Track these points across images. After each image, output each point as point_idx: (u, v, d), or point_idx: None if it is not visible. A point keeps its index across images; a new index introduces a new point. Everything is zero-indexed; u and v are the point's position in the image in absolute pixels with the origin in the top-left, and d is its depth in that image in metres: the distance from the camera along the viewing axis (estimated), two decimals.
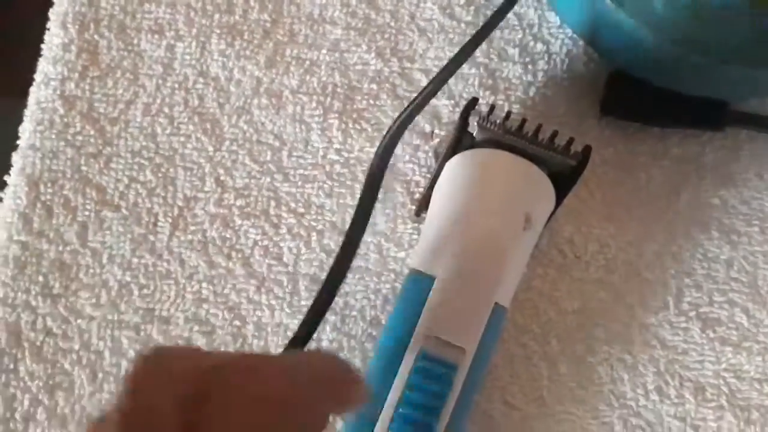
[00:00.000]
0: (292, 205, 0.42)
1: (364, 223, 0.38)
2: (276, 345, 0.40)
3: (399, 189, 0.42)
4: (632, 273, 0.41)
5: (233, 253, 0.41)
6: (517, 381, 0.40)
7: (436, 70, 0.44)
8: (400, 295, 0.35)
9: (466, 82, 0.44)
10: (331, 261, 0.41)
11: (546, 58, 0.44)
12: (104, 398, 0.39)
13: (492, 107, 0.38)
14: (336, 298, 0.36)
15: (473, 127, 0.37)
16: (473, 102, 0.37)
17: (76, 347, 0.40)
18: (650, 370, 0.40)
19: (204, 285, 0.41)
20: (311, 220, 0.42)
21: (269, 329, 0.40)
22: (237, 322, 0.40)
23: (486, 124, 0.37)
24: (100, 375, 0.40)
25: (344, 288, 0.40)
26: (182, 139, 0.43)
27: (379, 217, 0.41)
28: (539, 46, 0.45)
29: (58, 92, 0.44)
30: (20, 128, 0.44)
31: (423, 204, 0.40)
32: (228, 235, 0.42)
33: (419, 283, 0.34)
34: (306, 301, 0.41)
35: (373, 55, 0.44)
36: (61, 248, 0.41)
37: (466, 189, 0.35)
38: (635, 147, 0.43)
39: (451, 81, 0.41)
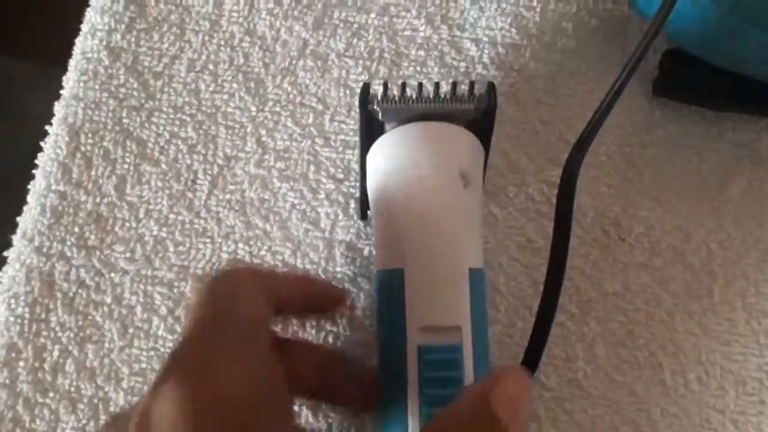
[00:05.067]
0: (332, 170, 0.40)
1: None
2: None
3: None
4: (677, 258, 0.38)
5: (270, 215, 0.39)
6: (552, 361, 0.37)
7: (486, 39, 0.41)
8: (377, 299, 0.33)
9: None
10: (368, 229, 0.39)
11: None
12: (134, 354, 0.37)
13: (386, 84, 0.34)
14: None
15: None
16: (366, 88, 0.34)
17: (108, 300, 0.38)
18: (691, 358, 0.37)
19: (240, 245, 0.39)
20: (350, 187, 0.39)
21: None
22: None
23: (385, 104, 0.33)
24: (131, 330, 0.37)
25: None
26: (225, 97, 0.41)
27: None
28: (593, 22, 0.42)
29: (104, 43, 0.41)
30: (64, 78, 0.41)
31: (363, 205, 0.37)
32: (266, 197, 0.39)
33: (390, 281, 0.31)
34: (341, 268, 0.38)
35: (423, 21, 0.42)
36: (98, 200, 0.39)
37: (394, 174, 0.33)
38: (687, 129, 0.40)
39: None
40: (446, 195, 0.32)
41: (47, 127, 0.41)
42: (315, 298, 0.36)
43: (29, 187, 0.40)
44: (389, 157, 0.33)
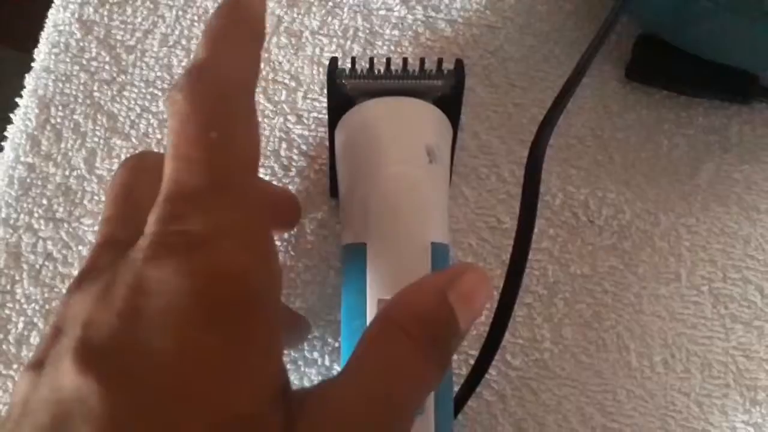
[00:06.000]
0: (304, 147, 0.39)
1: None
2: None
3: None
4: (646, 241, 0.38)
5: None
6: (518, 342, 0.37)
7: (461, 20, 0.41)
8: (343, 274, 0.33)
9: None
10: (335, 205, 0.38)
11: None
12: None
13: (353, 60, 0.34)
14: None
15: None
16: (334, 62, 0.33)
17: (76, 273, 0.37)
18: (657, 341, 0.37)
19: None
20: (322, 164, 0.39)
21: None
22: None
23: (353, 78, 0.33)
24: None
25: None
26: None
27: None
28: (567, 6, 0.41)
29: (76, 16, 0.41)
30: (35, 50, 0.41)
31: (334, 182, 0.37)
32: None
33: (353, 255, 0.31)
34: (311, 245, 0.38)
35: (398, 1, 0.41)
36: (67, 173, 0.39)
37: (360, 148, 0.33)
38: (659, 113, 0.40)
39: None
40: (411, 171, 0.32)
41: (17, 99, 0.40)
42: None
43: None
44: (355, 131, 0.33)
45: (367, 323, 0.30)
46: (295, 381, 0.36)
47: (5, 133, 0.40)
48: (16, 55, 1.21)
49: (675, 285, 0.38)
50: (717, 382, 0.36)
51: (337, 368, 0.36)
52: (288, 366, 0.36)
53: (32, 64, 0.41)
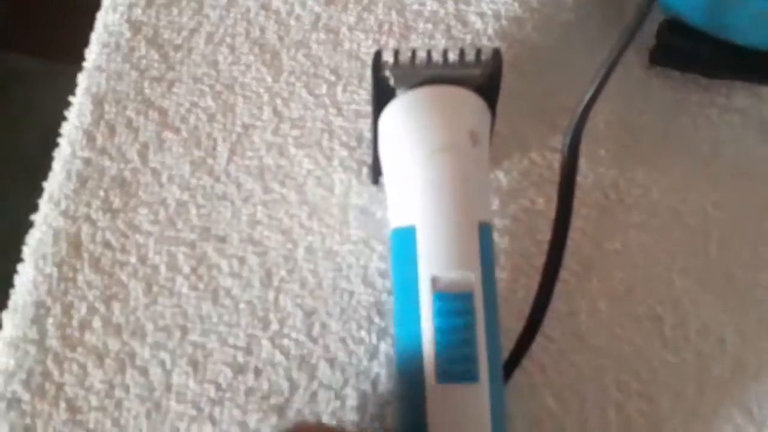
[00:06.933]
0: (345, 138, 0.41)
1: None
2: (325, 269, 0.39)
3: None
4: (675, 219, 0.40)
5: (287, 180, 0.40)
6: (556, 315, 0.38)
7: (490, 13, 0.43)
8: (393, 258, 0.34)
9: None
10: (381, 195, 0.40)
11: None
12: (158, 310, 0.38)
13: (396, 52, 0.35)
14: None
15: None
16: (378, 55, 0.35)
17: (133, 260, 0.39)
18: (691, 312, 0.38)
19: (259, 208, 0.40)
20: (362, 154, 0.41)
21: (320, 254, 0.39)
22: (289, 245, 0.39)
23: (397, 69, 0.35)
24: (155, 288, 0.39)
25: None
26: (242, 68, 0.42)
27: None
28: None
29: (125, 17, 0.43)
30: (86, 50, 0.43)
31: (375, 170, 0.39)
32: (283, 163, 0.41)
33: (403, 238, 0.33)
34: (355, 231, 0.40)
35: None
36: (122, 166, 0.41)
37: (406, 136, 0.34)
38: (682, 96, 0.41)
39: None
40: (456, 155, 0.33)
41: (70, 98, 0.42)
42: None
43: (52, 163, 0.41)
44: (401, 119, 0.35)
45: (421, 299, 0.31)
46: (344, 358, 0.38)
47: (61, 131, 0.42)
48: (38, 64, 1.24)
49: (704, 259, 0.39)
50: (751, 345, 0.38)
51: (383, 345, 0.38)
52: (337, 343, 0.38)
53: (84, 64, 0.42)
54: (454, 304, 0.31)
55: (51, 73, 1.19)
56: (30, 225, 0.40)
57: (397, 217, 0.34)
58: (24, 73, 1.25)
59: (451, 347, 0.31)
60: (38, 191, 0.40)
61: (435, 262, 0.32)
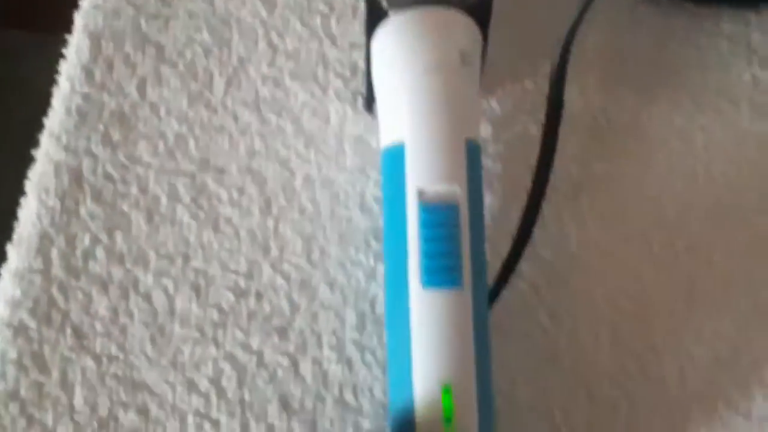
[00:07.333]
0: (339, 69, 0.42)
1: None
2: (323, 197, 0.40)
3: None
4: (662, 142, 0.41)
5: (283, 112, 0.41)
6: (548, 236, 0.39)
7: None
8: (383, 176, 0.35)
9: None
10: (375, 124, 0.40)
11: None
12: (160, 239, 0.39)
13: None
14: None
15: None
16: None
17: (134, 192, 0.40)
18: (679, 231, 0.39)
19: (256, 139, 0.41)
20: (357, 84, 0.42)
21: (317, 183, 0.40)
22: (287, 174, 0.40)
23: None
24: (157, 218, 0.39)
25: None
26: (237, 2, 0.43)
27: None
28: None
29: None
30: None
31: (369, 95, 0.39)
32: (279, 95, 0.41)
33: (393, 155, 0.34)
34: (350, 159, 0.40)
35: None
36: (121, 100, 0.41)
37: (397, 55, 0.35)
38: (670, 23, 0.42)
39: None
40: (446, 73, 0.34)
41: (67, 36, 0.43)
42: None
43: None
44: (392, 39, 0.35)
45: (408, 213, 0.32)
46: (343, 281, 0.38)
47: (59, 69, 0.42)
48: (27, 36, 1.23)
49: (691, 182, 0.40)
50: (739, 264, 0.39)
51: (380, 267, 0.39)
52: (336, 266, 0.38)
53: (80, 3, 0.43)
54: (439, 216, 0.32)
55: (39, 44, 1.19)
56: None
57: (387, 135, 0.35)
58: (12, 47, 1.24)
59: (436, 257, 0.32)
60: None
61: (422, 175, 0.33)
